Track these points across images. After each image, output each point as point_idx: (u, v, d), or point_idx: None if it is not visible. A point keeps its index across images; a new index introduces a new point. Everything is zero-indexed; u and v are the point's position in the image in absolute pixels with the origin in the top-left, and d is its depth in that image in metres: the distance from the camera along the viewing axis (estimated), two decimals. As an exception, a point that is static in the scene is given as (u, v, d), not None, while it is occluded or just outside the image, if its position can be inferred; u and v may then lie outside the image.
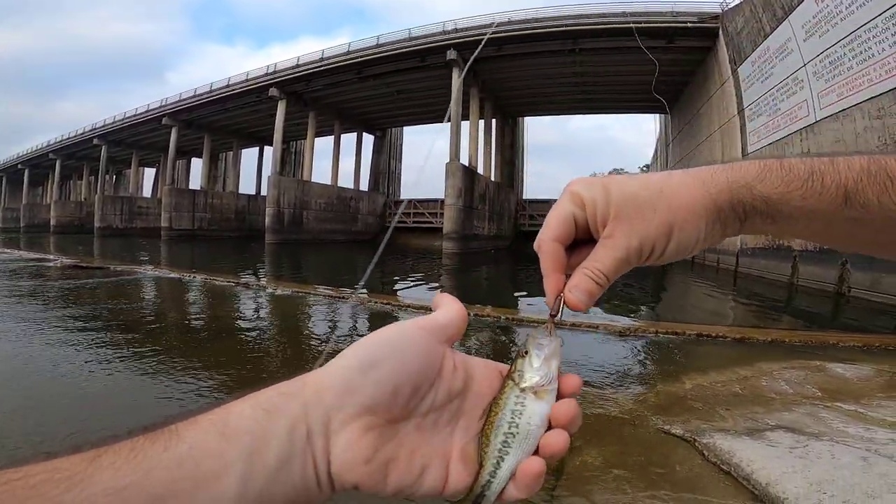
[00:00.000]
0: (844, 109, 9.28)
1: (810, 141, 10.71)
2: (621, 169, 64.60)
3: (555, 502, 2.19)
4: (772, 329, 6.20)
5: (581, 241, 0.40)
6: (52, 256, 14.59)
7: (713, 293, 11.92)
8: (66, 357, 4.24)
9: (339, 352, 0.34)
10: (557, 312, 0.38)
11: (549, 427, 0.34)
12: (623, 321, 7.04)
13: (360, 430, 0.31)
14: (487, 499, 0.33)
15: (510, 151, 33.38)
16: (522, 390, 0.34)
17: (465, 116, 24.81)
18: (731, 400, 3.40)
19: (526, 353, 0.35)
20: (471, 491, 0.33)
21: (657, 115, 31.21)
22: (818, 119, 10.31)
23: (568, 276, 0.39)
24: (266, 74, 28.11)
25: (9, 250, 16.95)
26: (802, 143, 11.03)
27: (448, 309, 0.36)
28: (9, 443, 2.58)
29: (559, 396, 0.35)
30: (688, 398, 3.51)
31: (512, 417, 0.33)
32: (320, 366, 0.34)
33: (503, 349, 5.49)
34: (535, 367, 0.35)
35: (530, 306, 9.62)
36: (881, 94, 8.22)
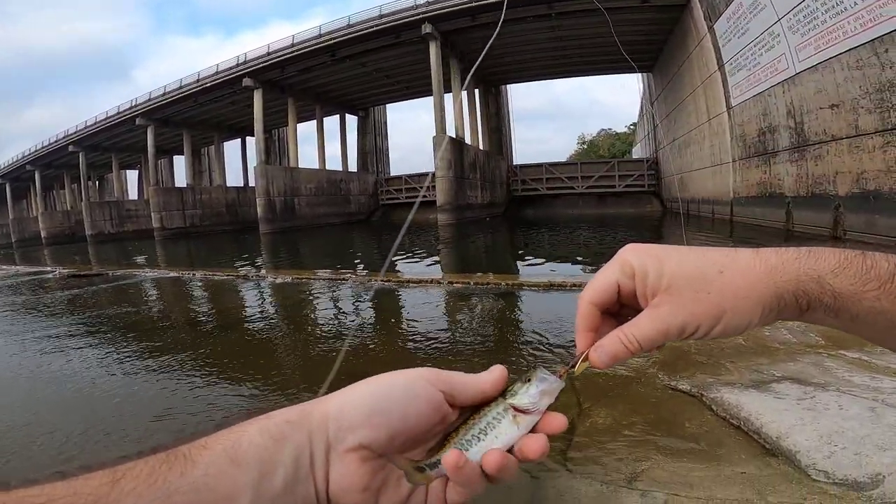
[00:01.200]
0: (823, 61, 9.27)
1: (792, 92, 10.72)
2: (609, 129, 63.99)
3: (570, 464, 2.26)
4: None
5: (627, 305, 0.41)
6: (49, 268, 14.49)
7: (711, 243, 11.99)
8: (83, 366, 4.26)
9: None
10: (574, 367, 0.41)
11: (513, 451, 0.37)
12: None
13: (357, 461, 0.34)
14: (431, 468, 0.36)
15: (496, 119, 33.05)
16: (507, 406, 0.37)
17: (448, 89, 24.37)
18: (735, 352, 3.45)
19: (528, 380, 0.38)
20: (421, 460, 0.37)
21: (640, 75, 30.87)
22: (798, 71, 10.32)
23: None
24: (237, 65, 27.32)
25: (6, 266, 16.80)
26: (785, 94, 11.03)
27: (475, 379, 0.39)
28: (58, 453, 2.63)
29: (543, 431, 0.38)
30: (692, 352, 3.55)
31: (485, 426, 0.36)
32: (324, 393, 0.38)
33: (505, 316, 5.56)
34: (529, 394, 0.37)
35: (530, 268, 9.70)
36: (858, 47, 8.20)
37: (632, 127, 53.34)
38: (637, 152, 41.66)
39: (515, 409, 0.37)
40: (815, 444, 1.99)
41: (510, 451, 0.37)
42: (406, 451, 0.37)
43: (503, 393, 0.38)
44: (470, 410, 0.38)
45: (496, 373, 0.39)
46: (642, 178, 28.59)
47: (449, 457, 0.35)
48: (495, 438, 0.36)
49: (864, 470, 1.80)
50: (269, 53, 26.17)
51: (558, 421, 0.38)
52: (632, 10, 19.93)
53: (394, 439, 0.35)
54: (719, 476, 1.95)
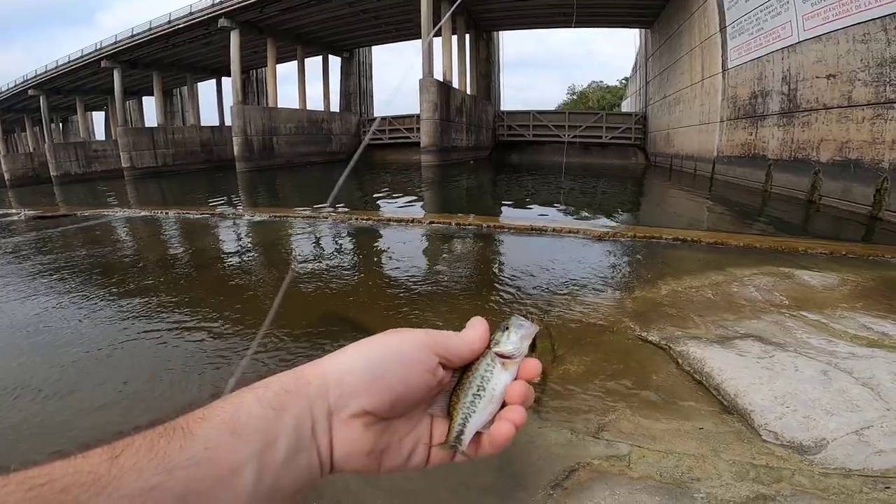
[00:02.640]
0: (829, 32, 9.13)
1: (791, 59, 10.63)
2: (600, 82, 62.54)
3: (541, 411, 2.35)
4: (744, 234, 6.38)
5: None
6: (13, 210, 13.89)
7: (690, 199, 12.20)
8: (55, 311, 4.16)
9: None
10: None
11: (505, 404, 0.40)
12: (603, 225, 7.21)
13: (360, 426, 0.35)
14: (464, 442, 0.39)
15: (486, 65, 32.01)
16: (494, 356, 0.40)
17: (438, 33, 23.26)
18: (703, 306, 3.55)
19: (507, 328, 0.41)
20: (446, 440, 0.39)
21: (638, 31, 29.95)
22: (801, 40, 10.19)
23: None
24: (212, 5, 25.12)
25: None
26: (784, 60, 10.93)
27: (463, 338, 0.40)
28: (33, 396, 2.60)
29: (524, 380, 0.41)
30: (663, 304, 3.65)
31: (481, 382, 0.39)
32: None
33: (485, 257, 5.60)
34: (511, 341, 0.40)
35: (510, 210, 9.72)
36: (868, 21, 8.06)
37: (624, 81, 52.27)
38: (626, 106, 41.10)
39: (502, 356, 0.40)
40: (768, 405, 2.09)
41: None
42: (405, 413, 0.38)
43: (488, 344, 0.41)
44: (462, 367, 0.40)
45: (480, 329, 0.41)
46: (629, 132, 28.42)
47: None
48: (493, 389, 0.39)
49: (810, 434, 1.90)
50: (247, -9, 24.22)
51: (533, 366, 0.40)
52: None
53: (394, 404, 0.36)
54: (679, 430, 2.05)
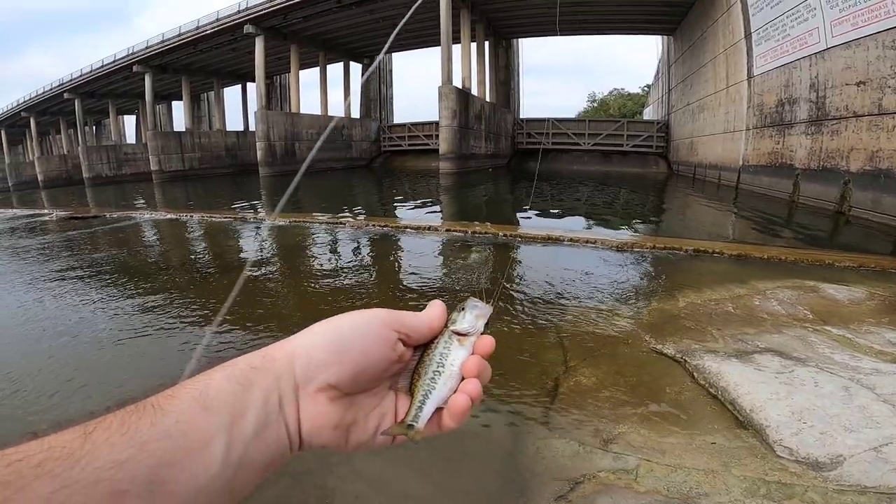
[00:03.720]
0: (858, 38, 8.89)
1: (819, 66, 10.35)
2: (621, 89, 61.93)
3: (551, 422, 2.32)
4: (769, 246, 6.20)
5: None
6: (46, 211, 14.46)
7: (713, 209, 11.94)
8: (83, 311, 4.31)
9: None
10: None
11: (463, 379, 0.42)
12: (621, 235, 7.09)
13: (326, 400, 0.36)
14: (421, 420, 0.41)
15: (505, 73, 32.00)
16: (452, 334, 0.43)
17: (457, 40, 23.39)
18: (723, 319, 3.46)
19: (463, 308, 0.44)
20: (406, 415, 0.41)
21: (660, 37, 29.56)
22: (829, 46, 9.93)
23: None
24: (238, 12, 25.95)
25: (3, 209, 16.76)
26: (812, 67, 10.66)
27: (420, 317, 0.43)
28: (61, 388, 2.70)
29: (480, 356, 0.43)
30: (681, 316, 3.57)
31: (440, 359, 0.42)
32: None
33: (501, 267, 5.56)
34: (467, 319, 0.43)
35: (527, 219, 9.66)
36: None
37: (646, 88, 51.65)
38: (648, 114, 40.56)
39: (458, 334, 0.43)
40: (785, 420, 2.02)
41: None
42: (368, 388, 0.40)
43: (446, 324, 0.43)
44: (423, 346, 0.43)
45: (438, 309, 0.43)
46: (651, 140, 28.00)
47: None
48: (452, 365, 0.42)
49: (826, 450, 1.83)
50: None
51: (488, 342, 0.43)
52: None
53: (357, 377, 0.38)
54: (690, 444, 2.00)
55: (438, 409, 0.41)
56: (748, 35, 14.10)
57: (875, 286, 4.17)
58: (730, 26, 15.68)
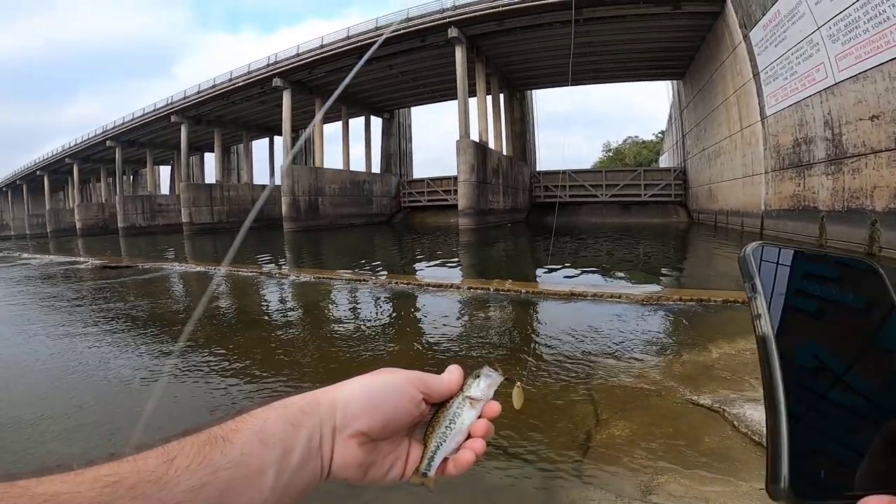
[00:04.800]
0: (864, 71, 8.98)
1: (831, 102, 10.38)
2: (636, 137, 62.98)
3: (584, 474, 2.23)
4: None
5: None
6: (82, 259, 15.06)
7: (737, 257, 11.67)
8: (112, 357, 4.41)
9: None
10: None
11: (470, 436, 0.49)
12: (645, 289, 6.95)
13: (356, 444, 0.43)
14: (432, 469, 0.47)
15: (521, 125, 32.91)
16: (465, 398, 0.49)
17: (473, 93, 24.36)
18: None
19: (478, 376, 0.50)
20: (421, 462, 0.47)
21: (670, 82, 30.33)
22: (837, 81, 10.01)
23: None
24: (268, 65, 27.97)
25: (39, 255, 17.54)
26: (823, 104, 10.69)
27: (442, 380, 0.49)
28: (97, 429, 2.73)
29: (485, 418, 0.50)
30: (715, 367, 3.47)
31: (453, 417, 0.48)
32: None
33: (522, 326, 5.51)
34: (480, 387, 0.49)
35: (548, 275, 9.59)
36: None
37: (660, 135, 52.33)
38: (664, 161, 40.65)
39: (471, 399, 0.49)
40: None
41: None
42: (391, 437, 0.46)
43: (461, 387, 0.50)
44: (439, 403, 0.49)
45: (456, 374, 0.50)
46: (669, 188, 27.97)
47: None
48: (462, 423, 0.48)
49: None
50: (298, 55, 26.74)
51: (495, 407, 0.50)
52: (663, 16, 19.70)
53: (385, 428, 0.44)
54: (735, 492, 1.90)
55: (445, 459, 0.48)
56: (756, 75, 14.24)
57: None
58: (737, 67, 15.89)
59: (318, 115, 27.80)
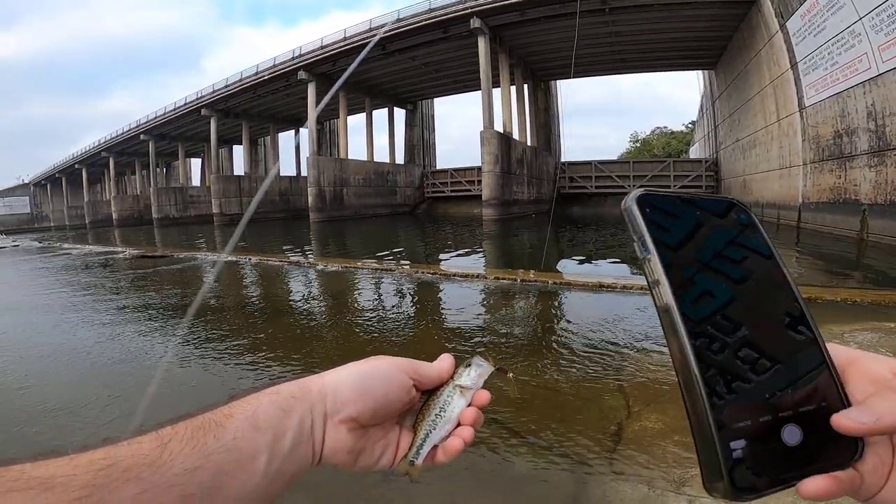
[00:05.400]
0: None
1: (874, 93, 9.96)
2: (664, 127, 61.22)
3: (615, 466, 2.23)
4: (840, 288, 5.82)
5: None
6: (119, 248, 15.67)
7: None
8: (150, 344, 4.62)
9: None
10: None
11: (459, 424, 0.49)
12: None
13: (346, 430, 0.44)
14: (420, 457, 0.48)
15: (545, 115, 32.41)
16: (455, 386, 0.49)
17: (496, 84, 24.11)
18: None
19: (469, 365, 0.51)
20: (410, 449, 0.48)
21: (701, 72, 29.31)
22: (881, 72, 9.59)
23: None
24: (293, 58, 28.27)
25: (80, 245, 18.34)
26: (866, 95, 10.25)
27: (433, 368, 0.50)
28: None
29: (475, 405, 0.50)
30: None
31: (443, 405, 0.49)
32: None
33: (549, 316, 5.50)
34: (470, 376, 0.50)
35: (575, 266, 9.49)
36: None
37: (689, 126, 50.75)
38: (695, 152, 39.41)
39: (461, 387, 0.49)
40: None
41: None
42: (381, 423, 0.47)
43: (452, 375, 0.50)
44: (429, 391, 0.50)
45: (447, 362, 0.51)
46: (700, 180, 27.24)
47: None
48: (452, 411, 0.48)
49: None
50: (322, 47, 26.95)
51: (485, 396, 0.50)
52: (693, 5, 19.01)
53: (375, 413, 0.45)
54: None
55: (434, 447, 0.48)
56: (794, 65, 13.73)
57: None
58: (773, 56, 15.33)
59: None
